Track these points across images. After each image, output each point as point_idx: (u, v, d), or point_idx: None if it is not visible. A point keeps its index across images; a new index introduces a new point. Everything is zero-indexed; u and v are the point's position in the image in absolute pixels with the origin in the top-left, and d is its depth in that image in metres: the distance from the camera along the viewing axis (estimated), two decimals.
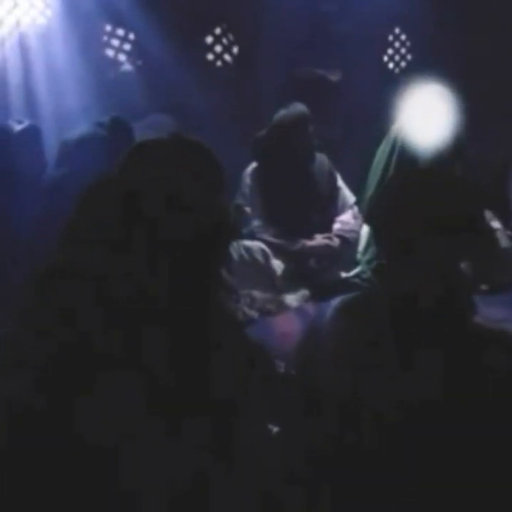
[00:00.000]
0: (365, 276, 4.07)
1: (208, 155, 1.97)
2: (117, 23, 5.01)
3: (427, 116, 4.10)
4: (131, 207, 1.41)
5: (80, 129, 3.39)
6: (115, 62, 5.06)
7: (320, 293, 3.84)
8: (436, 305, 1.60)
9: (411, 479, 1.56)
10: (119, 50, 5.08)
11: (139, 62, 5.05)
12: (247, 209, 4.16)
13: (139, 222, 1.41)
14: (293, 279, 3.99)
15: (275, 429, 1.84)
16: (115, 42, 5.08)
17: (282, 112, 4.15)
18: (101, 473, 1.28)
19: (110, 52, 5.08)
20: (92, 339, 1.27)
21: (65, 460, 1.28)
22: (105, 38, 5.05)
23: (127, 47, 5.07)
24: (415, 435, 1.55)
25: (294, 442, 1.70)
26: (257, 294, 3.84)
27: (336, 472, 1.60)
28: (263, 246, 4.02)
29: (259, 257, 3.99)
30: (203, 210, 1.89)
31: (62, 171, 3.25)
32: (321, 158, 4.29)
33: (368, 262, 4.14)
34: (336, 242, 4.12)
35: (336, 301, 1.74)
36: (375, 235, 1.84)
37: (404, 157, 4.17)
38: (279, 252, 4.03)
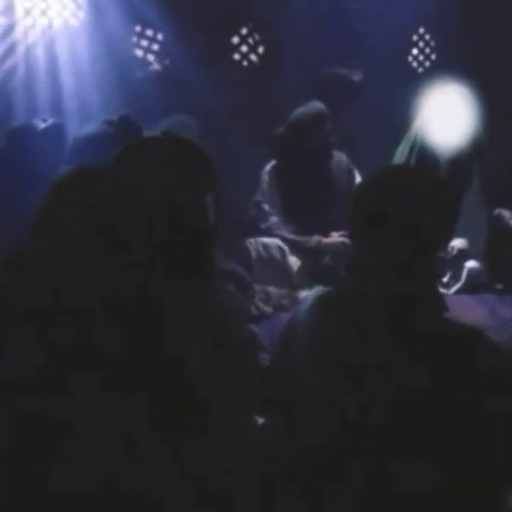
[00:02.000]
0: None
1: (199, 153, 2.02)
2: (146, 23, 5.14)
3: (446, 116, 4.12)
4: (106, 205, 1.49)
5: (90, 126, 3.49)
6: (144, 62, 5.19)
7: None
8: (405, 303, 1.61)
9: (385, 477, 1.57)
10: (147, 50, 5.20)
11: (167, 62, 5.16)
12: (266, 206, 4.25)
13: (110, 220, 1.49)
14: (308, 276, 4.06)
15: (260, 420, 1.91)
16: (144, 42, 5.21)
17: (300, 110, 4.23)
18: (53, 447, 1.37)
19: (139, 53, 5.21)
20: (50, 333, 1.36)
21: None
22: (135, 38, 5.18)
23: (156, 47, 5.20)
24: (386, 434, 1.56)
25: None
26: (272, 289, 3.92)
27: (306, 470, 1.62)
28: (280, 243, 4.10)
29: (276, 254, 4.07)
30: (189, 209, 1.99)
31: (70, 167, 3.35)
32: (340, 156, 4.35)
33: None
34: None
35: (312, 296, 1.78)
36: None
37: (424, 157, 4.21)
38: (295, 248, 4.11)
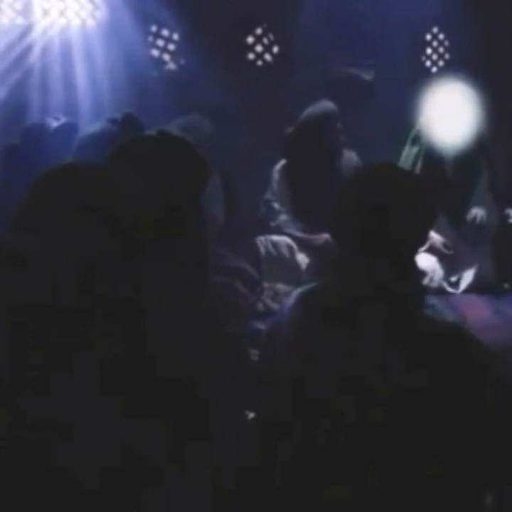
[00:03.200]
0: None
1: (191, 151, 2.07)
2: (162, 23, 5.20)
3: (450, 114, 4.14)
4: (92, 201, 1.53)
5: (95, 125, 3.55)
6: (159, 62, 5.25)
7: None
8: (385, 301, 1.62)
9: (360, 474, 1.59)
10: (163, 50, 5.27)
11: (182, 62, 5.23)
12: (275, 204, 4.30)
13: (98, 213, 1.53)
14: (316, 273, 4.10)
15: (251, 414, 1.94)
16: (160, 42, 5.28)
17: (310, 110, 4.27)
18: (49, 451, 1.39)
19: (155, 53, 5.28)
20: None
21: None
22: (151, 38, 5.25)
23: (171, 47, 5.26)
24: (364, 431, 1.58)
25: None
26: (280, 286, 3.96)
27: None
28: (289, 240, 4.15)
29: (285, 251, 4.12)
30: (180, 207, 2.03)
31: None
32: (350, 155, 4.38)
33: None
34: None
35: (296, 292, 1.81)
36: None
37: (429, 156, 4.24)
38: (303, 246, 4.15)
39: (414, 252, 1.70)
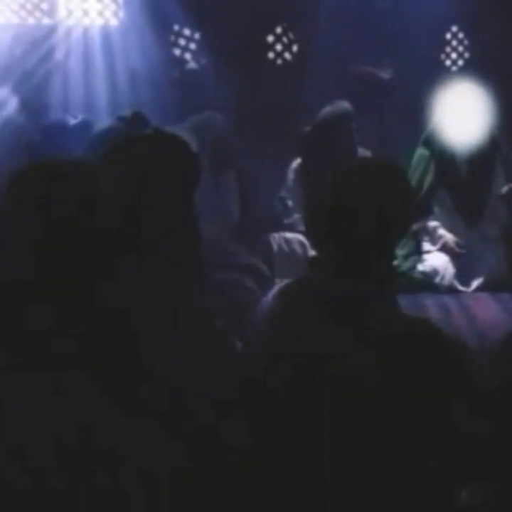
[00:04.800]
0: (400, 269, 4.17)
1: (184, 149, 2.11)
2: (184, 23, 5.28)
3: (465, 114, 4.15)
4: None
5: (105, 122, 3.63)
6: (181, 61, 5.33)
7: None
8: (361, 298, 1.64)
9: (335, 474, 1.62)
10: (185, 49, 5.35)
11: (203, 61, 5.29)
12: (290, 202, 4.36)
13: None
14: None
15: None
16: (182, 41, 5.36)
17: (326, 110, 4.31)
18: None
19: (177, 52, 5.36)
20: None
21: None
22: (173, 37, 5.33)
23: (193, 46, 5.34)
24: (336, 425, 1.60)
25: None
26: None
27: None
28: (302, 238, 4.19)
29: (297, 248, 4.17)
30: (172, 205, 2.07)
31: None
32: (364, 154, 4.41)
33: (405, 256, 4.24)
34: None
35: (278, 286, 1.86)
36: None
37: (442, 155, 4.26)
38: None
39: (387, 251, 1.71)
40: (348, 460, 1.61)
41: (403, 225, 1.78)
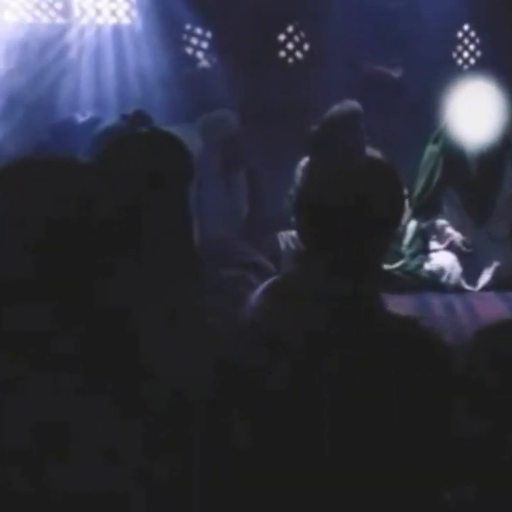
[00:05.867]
0: (407, 268, 4.18)
1: (178, 146, 2.14)
2: (196, 22, 5.31)
3: (476, 113, 4.14)
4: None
5: (109, 120, 3.65)
6: (193, 60, 5.36)
7: None
8: (344, 297, 1.64)
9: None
10: (197, 48, 5.38)
11: (215, 60, 5.33)
12: None
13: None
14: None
15: None
16: (194, 40, 5.39)
17: (335, 109, 4.32)
18: None
19: (189, 50, 5.40)
20: None
21: None
22: (185, 36, 5.37)
23: (205, 45, 5.37)
24: (316, 426, 1.61)
25: None
26: None
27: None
28: None
29: None
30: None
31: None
32: (374, 153, 4.42)
33: (412, 255, 4.25)
34: None
35: (266, 281, 1.85)
36: None
37: (452, 154, 4.26)
38: None
39: (373, 250, 1.70)
40: (344, 458, 1.62)
41: (391, 223, 1.77)
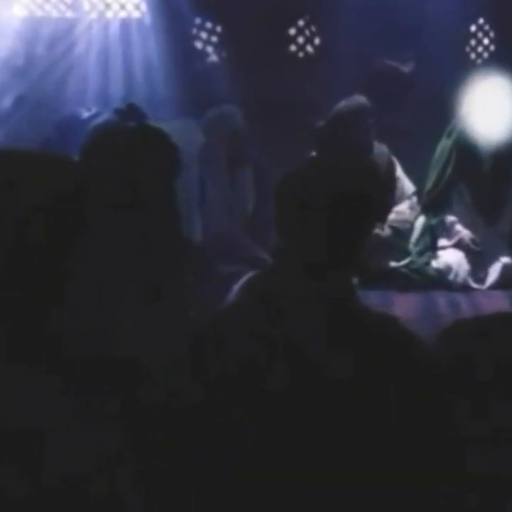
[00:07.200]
0: (414, 266, 4.13)
1: (164, 142, 2.13)
2: (206, 16, 5.28)
3: (490, 108, 4.08)
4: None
5: (105, 115, 3.64)
6: (202, 54, 5.33)
7: (368, 281, 3.93)
8: (319, 297, 1.63)
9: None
10: (207, 42, 5.35)
11: (224, 54, 5.29)
12: None
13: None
14: None
15: None
16: (203, 34, 5.35)
17: (342, 104, 4.28)
18: None
19: (199, 45, 5.36)
20: None
21: None
22: (194, 30, 5.34)
23: (215, 39, 5.33)
24: (291, 421, 1.59)
25: None
26: None
27: None
28: None
29: None
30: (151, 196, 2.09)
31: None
32: (380, 148, 4.37)
33: (419, 252, 4.20)
34: (387, 232, 4.20)
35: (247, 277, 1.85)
36: None
37: (464, 150, 4.20)
38: None
39: (349, 249, 1.68)
40: (321, 459, 1.59)
41: (367, 223, 1.73)
